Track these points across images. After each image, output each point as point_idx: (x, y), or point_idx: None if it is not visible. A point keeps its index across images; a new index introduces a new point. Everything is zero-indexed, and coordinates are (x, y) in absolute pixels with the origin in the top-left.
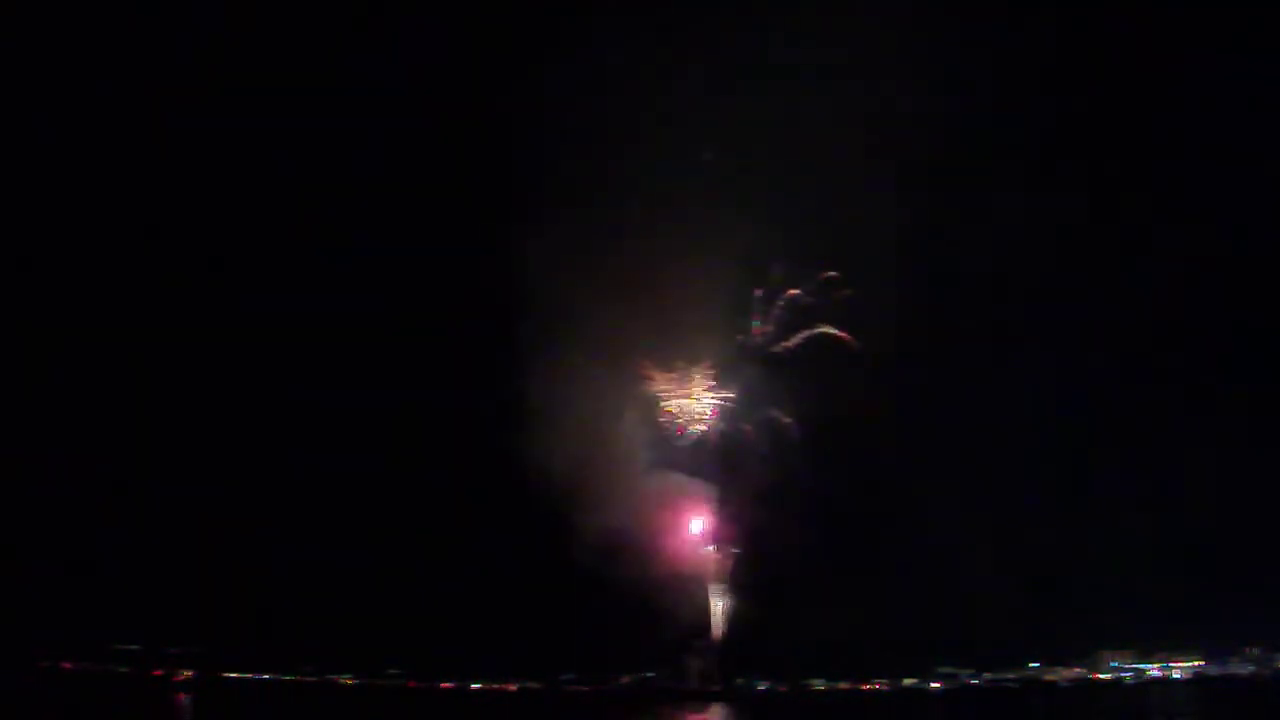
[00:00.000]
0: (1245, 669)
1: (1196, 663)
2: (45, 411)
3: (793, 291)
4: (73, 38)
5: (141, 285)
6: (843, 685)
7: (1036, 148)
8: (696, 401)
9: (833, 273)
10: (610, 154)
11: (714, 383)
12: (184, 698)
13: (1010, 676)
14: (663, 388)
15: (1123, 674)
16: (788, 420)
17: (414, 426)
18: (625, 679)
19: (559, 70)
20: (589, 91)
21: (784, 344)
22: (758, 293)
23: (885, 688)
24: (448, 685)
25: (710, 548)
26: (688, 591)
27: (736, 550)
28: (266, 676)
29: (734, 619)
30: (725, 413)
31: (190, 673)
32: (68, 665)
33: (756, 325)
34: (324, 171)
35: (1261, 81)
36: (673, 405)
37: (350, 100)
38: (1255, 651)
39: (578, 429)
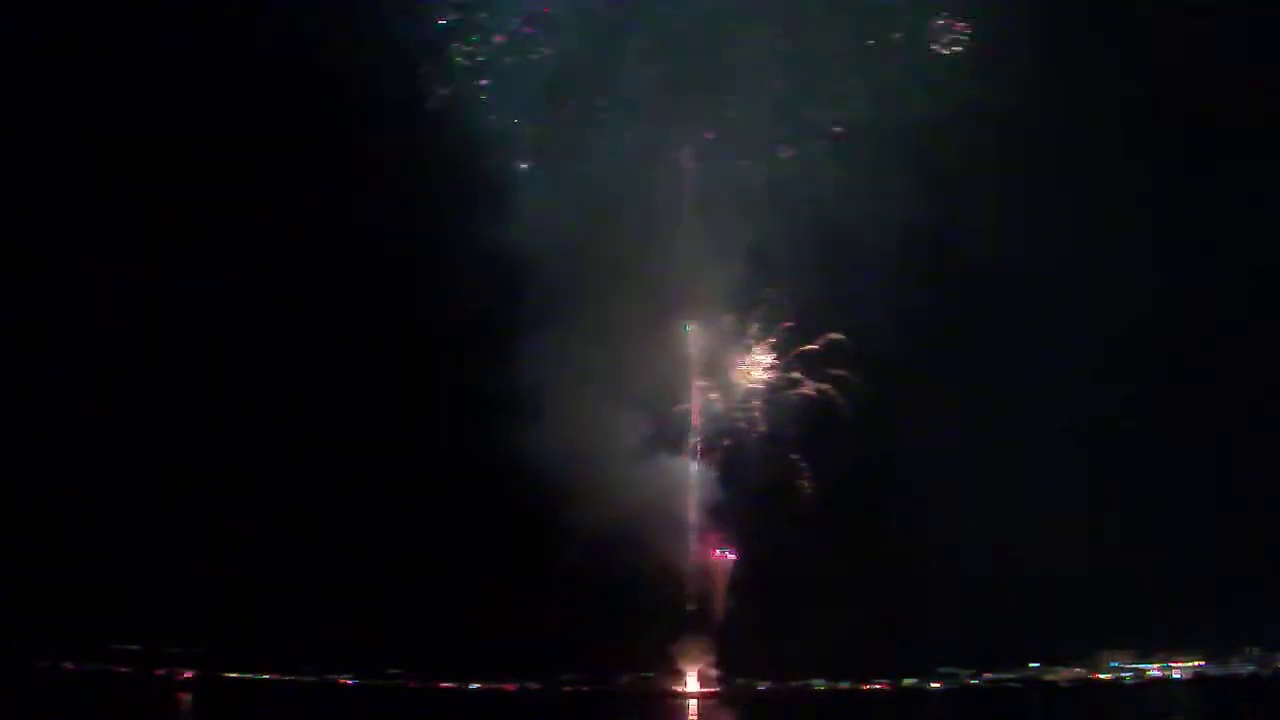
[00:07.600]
0: (1245, 669)
1: (1196, 663)
2: (44, 409)
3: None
4: None
5: (138, 279)
6: (843, 685)
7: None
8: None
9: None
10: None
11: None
12: (184, 698)
13: (1010, 676)
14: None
15: (1123, 674)
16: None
17: (413, 424)
18: (625, 679)
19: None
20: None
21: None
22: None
23: (885, 688)
24: (447, 685)
25: (711, 546)
26: (687, 590)
27: (737, 548)
28: (266, 676)
29: (734, 619)
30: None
31: (190, 673)
32: (68, 665)
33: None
34: (313, 157)
35: None
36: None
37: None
38: (1255, 651)
39: (577, 421)
